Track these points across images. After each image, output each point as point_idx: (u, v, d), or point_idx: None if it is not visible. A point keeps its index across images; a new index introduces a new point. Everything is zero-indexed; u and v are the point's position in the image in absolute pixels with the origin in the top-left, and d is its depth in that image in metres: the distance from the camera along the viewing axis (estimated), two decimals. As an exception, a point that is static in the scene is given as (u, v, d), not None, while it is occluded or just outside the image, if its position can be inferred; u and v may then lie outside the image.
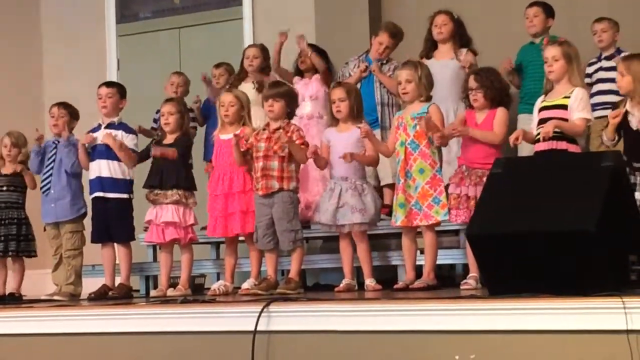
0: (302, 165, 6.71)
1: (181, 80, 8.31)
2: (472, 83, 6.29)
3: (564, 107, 5.80)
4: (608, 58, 7.23)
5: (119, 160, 7.14)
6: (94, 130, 7.28)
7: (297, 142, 6.48)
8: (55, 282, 7.48)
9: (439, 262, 6.41)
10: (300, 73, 7.78)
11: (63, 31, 10.08)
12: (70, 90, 9.06)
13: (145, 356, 5.44)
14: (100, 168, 7.15)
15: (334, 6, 8.77)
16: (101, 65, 9.87)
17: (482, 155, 6.13)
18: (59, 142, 7.36)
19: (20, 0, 10.14)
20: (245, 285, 6.67)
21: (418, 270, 6.32)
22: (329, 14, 8.75)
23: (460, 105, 6.90)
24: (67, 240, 7.31)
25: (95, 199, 7.18)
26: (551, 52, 5.90)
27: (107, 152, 7.13)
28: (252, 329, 5.00)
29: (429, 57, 7.36)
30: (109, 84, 7.57)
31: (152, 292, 7.24)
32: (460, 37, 7.38)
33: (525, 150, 6.48)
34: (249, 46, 8.16)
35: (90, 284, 7.34)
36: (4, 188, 7.48)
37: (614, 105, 5.98)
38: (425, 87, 6.38)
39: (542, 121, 5.83)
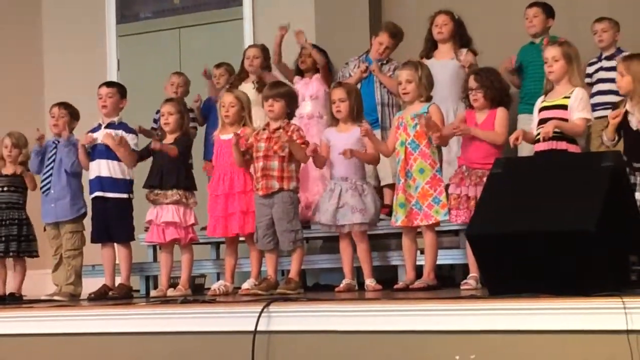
0: (302, 165, 6.72)
1: (181, 81, 8.31)
2: (472, 83, 6.29)
3: (564, 107, 5.81)
4: (608, 58, 7.22)
5: (118, 160, 7.13)
6: (94, 130, 7.27)
7: (297, 141, 6.48)
8: (55, 282, 7.47)
9: (439, 262, 6.41)
10: (300, 73, 7.79)
11: (63, 31, 10.08)
12: (70, 90, 9.05)
13: (145, 356, 5.43)
14: (100, 168, 7.14)
15: (334, 6, 8.77)
16: (101, 65, 9.86)
17: (482, 156, 6.13)
18: (59, 142, 7.35)
19: (21, 0, 10.15)
20: (246, 286, 6.67)
21: (418, 271, 6.32)
22: (329, 14, 8.75)
23: (460, 105, 6.90)
24: (67, 240, 7.30)
25: (95, 199, 7.18)
26: (551, 52, 5.90)
27: (107, 152, 7.12)
28: (252, 329, 5.00)
29: (429, 57, 7.36)
30: (109, 84, 7.57)
31: (152, 292, 7.25)
32: (461, 37, 7.38)
33: (525, 150, 6.48)
34: (250, 46, 8.16)
35: (90, 284, 7.34)
36: (5, 189, 7.47)
37: (614, 106, 5.98)
38: (426, 87, 6.39)
39: (542, 121, 5.84)
